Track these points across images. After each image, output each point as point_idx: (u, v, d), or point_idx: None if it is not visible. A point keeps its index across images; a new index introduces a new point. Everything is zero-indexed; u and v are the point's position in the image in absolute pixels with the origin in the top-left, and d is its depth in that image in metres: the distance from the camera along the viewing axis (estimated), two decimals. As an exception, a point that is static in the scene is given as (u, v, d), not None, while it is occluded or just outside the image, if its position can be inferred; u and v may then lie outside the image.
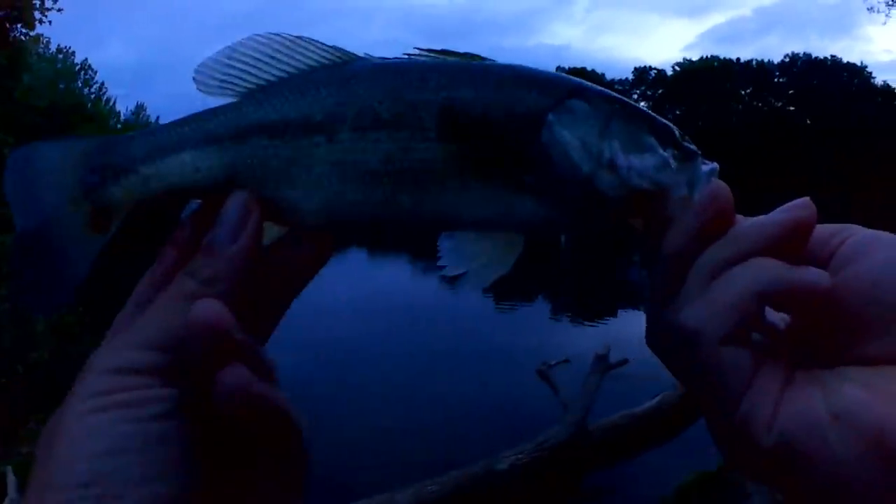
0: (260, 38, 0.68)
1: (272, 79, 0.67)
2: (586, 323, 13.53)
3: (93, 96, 24.81)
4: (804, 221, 0.57)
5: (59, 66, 22.76)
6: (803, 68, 72.24)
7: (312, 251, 0.65)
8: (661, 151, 0.64)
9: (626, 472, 7.56)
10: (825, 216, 0.59)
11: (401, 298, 13.92)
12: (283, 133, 0.64)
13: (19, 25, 17.58)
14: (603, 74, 77.51)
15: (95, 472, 0.50)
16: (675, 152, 0.65)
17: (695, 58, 75.73)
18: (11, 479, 6.15)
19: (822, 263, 0.56)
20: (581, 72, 75.63)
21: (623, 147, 0.64)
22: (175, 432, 0.53)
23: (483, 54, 0.68)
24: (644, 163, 0.63)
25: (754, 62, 73.78)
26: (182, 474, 0.53)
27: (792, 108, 71.59)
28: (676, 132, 0.66)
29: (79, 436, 0.51)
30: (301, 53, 0.68)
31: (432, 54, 0.69)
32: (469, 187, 0.63)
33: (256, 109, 0.66)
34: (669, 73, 74.92)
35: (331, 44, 0.68)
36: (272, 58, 0.67)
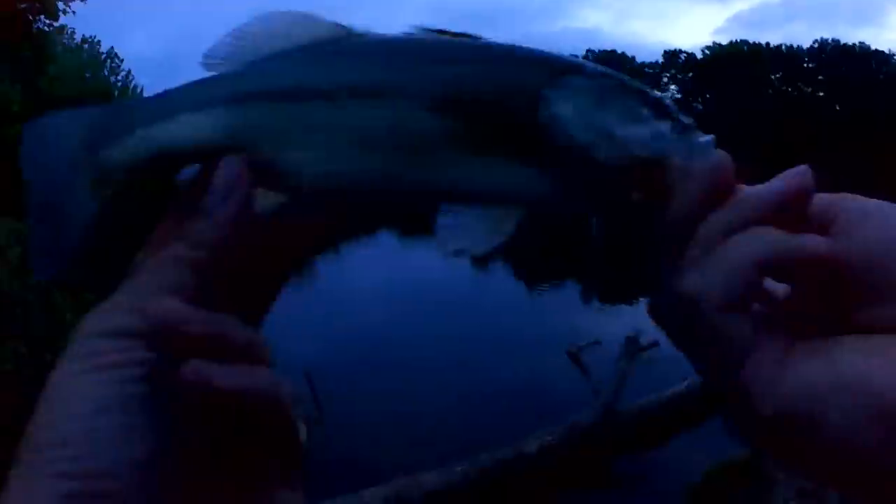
0: (266, 15, 0.68)
1: (277, 52, 0.68)
2: (616, 305, 13.56)
3: (119, 85, 24.97)
4: (802, 189, 0.58)
5: (85, 56, 22.94)
6: (832, 55, 71.98)
7: (311, 223, 0.66)
8: (657, 123, 0.65)
9: (655, 457, 7.56)
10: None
11: (431, 281, 14.01)
12: (283, 98, 0.65)
13: (43, 17, 17.74)
14: (633, 58, 77.72)
15: (73, 432, 0.50)
16: (672, 124, 0.65)
17: (724, 42, 75.51)
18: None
19: (823, 232, 0.57)
20: (611, 55, 75.85)
21: (620, 118, 0.64)
22: (153, 395, 0.53)
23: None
24: (642, 132, 0.64)
25: (784, 47, 73.63)
26: (157, 437, 0.52)
27: (821, 94, 71.41)
28: (671, 105, 0.67)
29: (61, 397, 0.52)
30: (305, 28, 0.68)
31: (430, 32, 0.69)
32: (468, 161, 0.64)
33: (256, 75, 0.66)
34: (699, 56, 74.73)
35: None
36: (276, 34, 0.68)
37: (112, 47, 24.94)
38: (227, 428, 0.56)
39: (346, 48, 0.67)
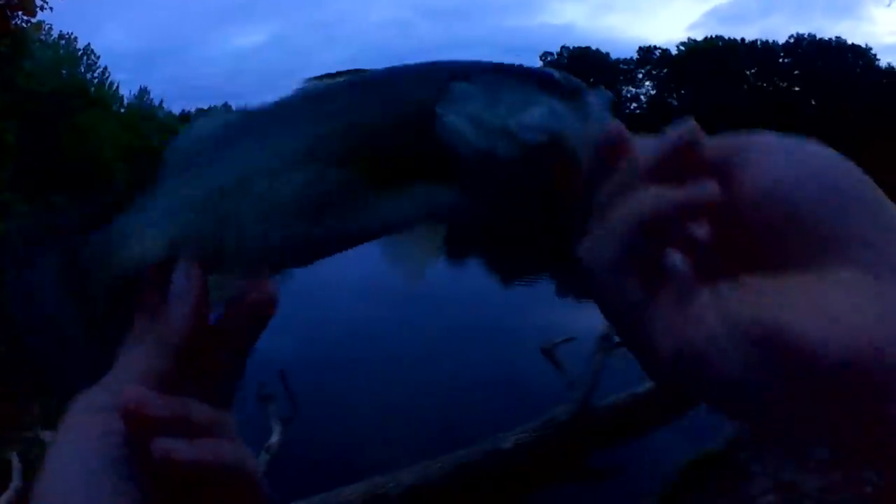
0: (193, 121, 0.75)
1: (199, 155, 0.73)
2: (591, 302, 13.57)
3: (95, 81, 24.85)
4: (687, 141, 0.57)
5: (62, 52, 22.78)
6: (808, 49, 72.11)
7: (257, 303, 0.71)
8: (546, 100, 0.65)
9: (632, 451, 7.58)
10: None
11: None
12: (207, 199, 0.69)
13: (20, 13, 17.55)
14: (608, 54, 77.75)
15: (70, 491, 0.59)
16: (561, 96, 0.66)
17: (699, 37, 75.57)
18: (17, 465, 6.12)
19: (722, 177, 0.55)
20: (586, 51, 75.81)
21: (509, 110, 0.65)
22: (131, 458, 0.61)
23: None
24: (531, 116, 0.64)
25: (759, 42, 73.71)
26: (137, 492, 0.60)
27: (797, 89, 71.57)
28: (557, 75, 0.67)
29: (59, 462, 0.61)
30: (216, 121, 0.74)
31: (322, 79, 0.71)
32: (385, 196, 0.66)
33: (181, 186, 0.71)
34: (674, 52, 74.81)
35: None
36: (200, 137, 0.73)
37: (89, 43, 24.83)
38: (197, 491, 0.64)
39: (248, 129, 0.71)
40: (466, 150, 0.64)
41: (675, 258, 0.58)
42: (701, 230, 0.58)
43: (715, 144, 0.57)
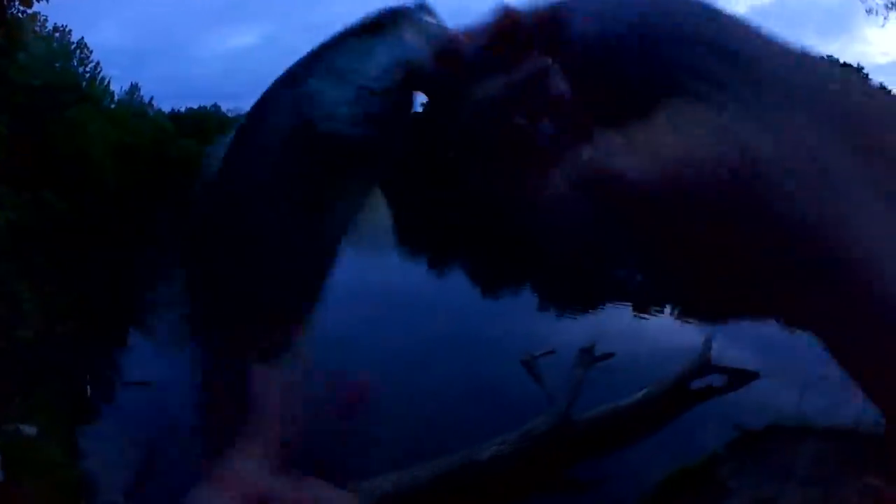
0: None
1: None
2: (573, 315, 13.52)
3: (87, 76, 24.78)
4: (502, 24, 0.57)
5: (56, 44, 22.69)
6: (801, 66, 72.12)
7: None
8: (379, 42, 0.65)
9: (610, 464, 7.58)
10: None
11: (387, 285, 13.93)
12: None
13: (17, 3, 17.43)
14: (601, 65, 77.39)
15: None
16: (392, 29, 0.65)
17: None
18: (-1, 456, 6.11)
19: (551, 42, 0.56)
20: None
21: (356, 72, 0.65)
22: None
23: None
24: (377, 64, 0.65)
25: (752, 59, 73.64)
26: None
27: (789, 106, 71.44)
28: (375, 16, 0.67)
29: None
30: None
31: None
32: (322, 217, 0.67)
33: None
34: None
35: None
36: None
37: (82, 37, 24.69)
38: None
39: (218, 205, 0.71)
40: (352, 130, 0.64)
41: (530, 131, 0.58)
42: (555, 93, 0.57)
43: (537, 13, 0.57)
